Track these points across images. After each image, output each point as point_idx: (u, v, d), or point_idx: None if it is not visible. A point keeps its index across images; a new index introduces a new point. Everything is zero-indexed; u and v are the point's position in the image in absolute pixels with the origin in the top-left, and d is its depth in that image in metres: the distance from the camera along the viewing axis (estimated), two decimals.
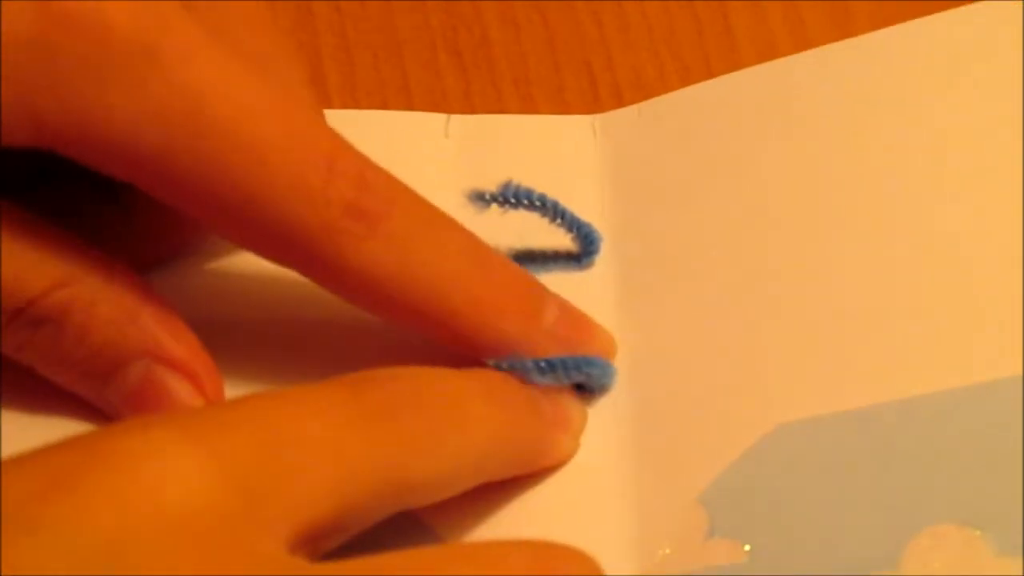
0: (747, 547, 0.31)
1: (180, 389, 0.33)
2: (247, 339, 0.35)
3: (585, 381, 0.35)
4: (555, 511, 0.33)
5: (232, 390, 0.34)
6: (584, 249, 0.37)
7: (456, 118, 0.40)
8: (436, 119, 0.40)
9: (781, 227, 0.36)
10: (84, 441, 0.26)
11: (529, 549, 0.29)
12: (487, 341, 0.33)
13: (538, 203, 0.36)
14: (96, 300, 0.32)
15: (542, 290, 0.34)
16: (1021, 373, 0.32)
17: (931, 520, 0.30)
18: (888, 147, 0.37)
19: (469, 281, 0.33)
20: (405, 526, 0.32)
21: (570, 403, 0.34)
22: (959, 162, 0.36)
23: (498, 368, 0.33)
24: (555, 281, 0.36)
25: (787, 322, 0.35)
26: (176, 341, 0.33)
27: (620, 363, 0.35)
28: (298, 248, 0.31)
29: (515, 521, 0.33)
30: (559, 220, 0.36)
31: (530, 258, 0.37)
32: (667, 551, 0.32)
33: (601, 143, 0.39)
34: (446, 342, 0.33)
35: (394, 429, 0.29)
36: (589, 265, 0.37)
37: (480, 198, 0.35)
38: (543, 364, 0.33)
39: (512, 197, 0.35)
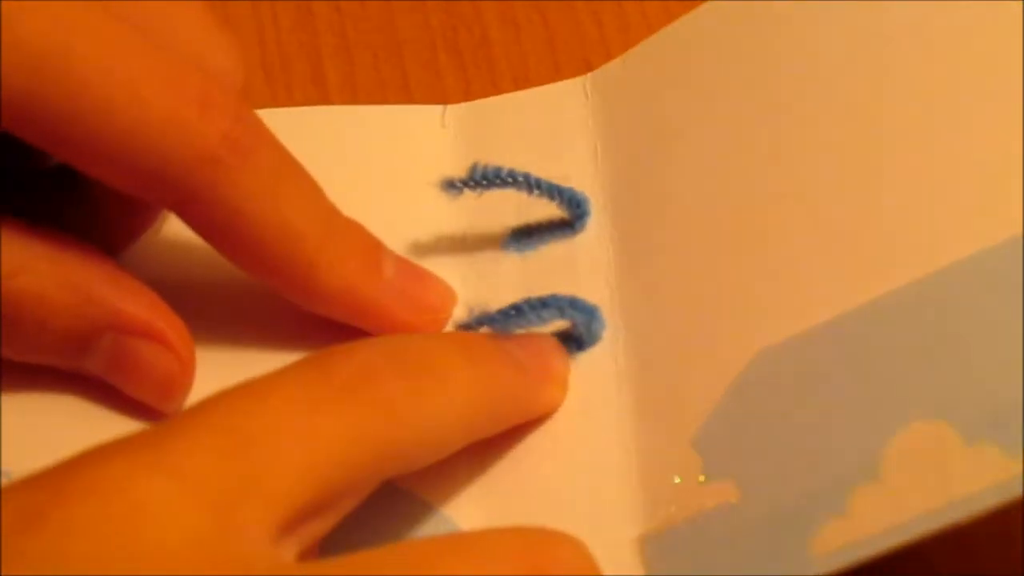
0: (739, 484, 0.30)
1: (150, 352, 0.33)
2: (220, 306, 0.36)
3: (569, 325, 0.34)
4: (557, 476, 0.33)
5: (211, 355, 0.34)
6: (574, 213, 0.36)
7: (452, 108, 0.40)
8: (433, 111, 0.39)
9: (758, 154, 0.35)
10: (50, 477, 0.26)
11: (520, 539, 0.28)
12: (334, 292, 0.34)
13: (509, 179, 0.35)
14: (46, 287, 0.32)
15: (380, 244, 0.35)
16: (972, 254, 0.30)
17: (903, 420, 0.29)
18: (879, 71, 0.35)
19: (326, 229, 0.34)
20: (403, 503, 0.32)
21: (551, 352, 0.34)
22: (944, 81, 0.34)
23: (467, 328, 0.34)
24: (554, 252, 0.36)
25: (762, 250, 0.34)
26: (135, 306, 0.33)
27: (620, 319, 0.35)
28: (174, 182, 0.32)
29: (516, 487, 0.33)
30: (537, 191, 0.36)
31: (527, 234, 0.37)
32: (670, 503, 0.31)
33: (592, 102, 0.39)
34: (295, 292, 0.34)
35: (368, 399, 0.28)
36: (583, 228, 0.37)
37: (451, 186, 0.35)
38: (510, 310, 0.34)
39: (482, 179, 0.35)
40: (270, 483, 0.26)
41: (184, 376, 0.34)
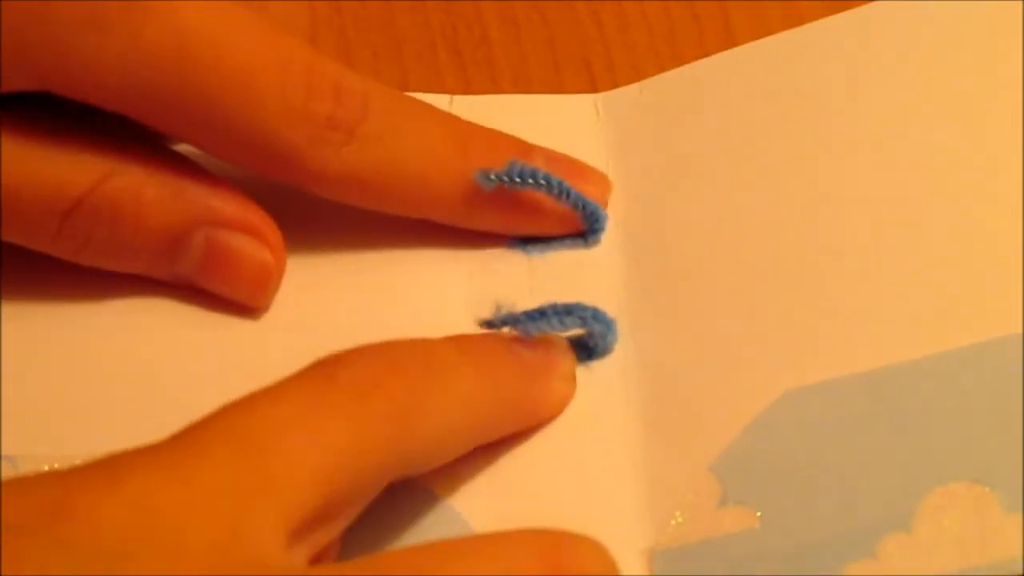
0: (759, 513, 0.31)
1: (245, 245, 0.35)
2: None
3: (584, 334, 0.35)
4: (567, 483, 0.33)
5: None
6: (590, 227, 0.37)
7: (459, 99, 0.40)
8: (439, 100, 0.39)
9: (783, 196, 0.36)
10: (72, 474, 0.26)
11: (538, 540, 0.28)
12: (486, 205, 0.36)
13: (543, 182, 0.36)
14: (142, 185, 0.34)
15: (526, 147, 0.36)
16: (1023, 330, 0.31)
17: (942, 479, 0.30)
18: (886, 114, 0.37)
19: (451, 161, 0.35)
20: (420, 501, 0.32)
21: (556, 348, 0.34)
22: (957, 127, 0.36)
23: (490, 326, 0.34)
24: (562, 259, 0.37)
25: (793, 289, 0.35)
26: (227, 202, 0.34)
27: (630, 336, 0.35)
28: (284, 163, 0.34)
29: (527, 493, 0.33)
30: (564, 198, 0.36)
31: (537, 237, 0.37)
32: (680, 520, 0.32)
33: (604, 121, 0.39)
34: (439, 219, 0.36)
35: (374, 406, 0.29)
36: (595, 242, 0.37)
37: (486, 177, 0.35)
38: (534, 312, 0.34)
39: (518, 176, 0.35)
40: (281, 490, 0.27)
41: (278, 269, 0.35)
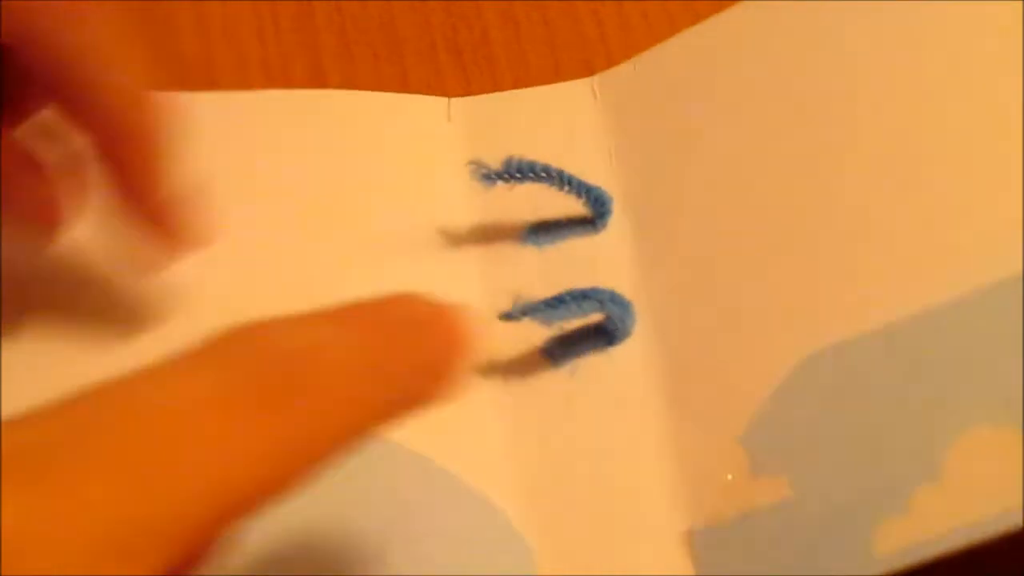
0: (790, 481, 0.30)
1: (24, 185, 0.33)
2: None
3: (603, 318, 0.34)
4: (600, 473, 0.33)
5: None
6: (597, 212, 0.37)
7: (457, 101, 0.40)
8: (438, 102, 0.39)
9: (783, 158, 0.36)
10: None
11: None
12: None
13: (543, 174, 0.35)
14: None
15: None
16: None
17: (965, 425, 0.29)
18: (883, 68, 0.36)
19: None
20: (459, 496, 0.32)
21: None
22: (954, 80, 0.35)
23: (509, 318, 0.34)
24: (573, 248, 0.36)
25: (802, 253, 0.34)
26: None
27: (646, 317, 0.35)
28: None
29: (560, 486, 0.32)
30: (567, 187, 0.36)
31: (545, 229, 0.37)
32: (714, 497, 0.31)
33: (602, 103, 0.39)
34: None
35: (266, 423, 0.23)
36: (604, 227, 0.37)
37: (486, 177, 0.35)
38: (552, 300, 0.34)
39: (516, 172, 0.35)
40: (173, 513, 0.22)
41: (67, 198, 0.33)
